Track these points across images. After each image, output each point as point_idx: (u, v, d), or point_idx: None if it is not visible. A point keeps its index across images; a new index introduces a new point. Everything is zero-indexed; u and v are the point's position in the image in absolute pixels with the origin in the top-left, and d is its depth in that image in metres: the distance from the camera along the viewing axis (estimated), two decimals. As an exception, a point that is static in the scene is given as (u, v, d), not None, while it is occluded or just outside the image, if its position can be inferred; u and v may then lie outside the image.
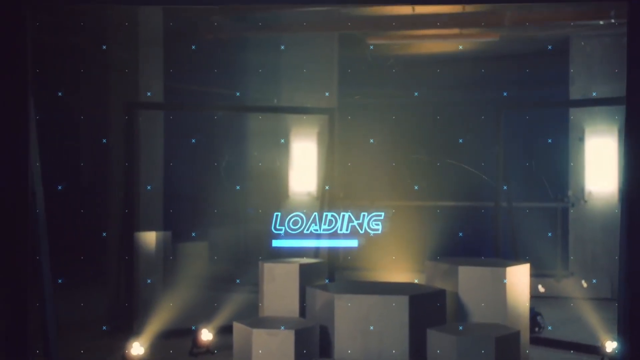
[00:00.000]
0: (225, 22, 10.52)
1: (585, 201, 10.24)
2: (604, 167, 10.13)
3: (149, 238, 9.09)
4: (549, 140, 9.84)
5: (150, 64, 9.07)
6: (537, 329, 7.72)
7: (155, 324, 7.64)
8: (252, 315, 7.10)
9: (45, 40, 8.22)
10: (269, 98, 10.75)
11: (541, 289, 9.97)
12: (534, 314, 7.55)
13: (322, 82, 10.78)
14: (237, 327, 6.43)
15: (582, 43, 10.33)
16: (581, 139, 10.24)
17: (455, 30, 10.17)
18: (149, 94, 8.75)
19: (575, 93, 10.35)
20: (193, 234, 9.00)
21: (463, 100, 11.21)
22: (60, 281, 6.02)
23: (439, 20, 9.96)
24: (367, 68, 11.33)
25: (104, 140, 7.51)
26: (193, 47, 8.89)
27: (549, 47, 9.37)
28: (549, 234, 9.80)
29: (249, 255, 10.69)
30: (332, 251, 8.13)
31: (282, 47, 10.85)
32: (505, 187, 7.89)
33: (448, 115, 10.97)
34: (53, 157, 8.22)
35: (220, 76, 10.57)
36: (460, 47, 9.54)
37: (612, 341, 6.93)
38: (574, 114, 10.31)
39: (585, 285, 10.07)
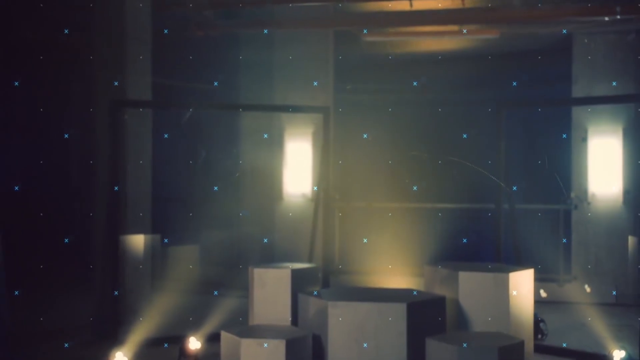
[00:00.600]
0: (216, 19, 10.30)
1: (589, 203, 10.00)
2: (608, 168, 9.87)
3: (137, 241, 8.81)
4: (564, 136, 9.57)
5: (138, 61, 8.76)
6: (539, 336, 7.46)
7: (140, 332, 7.41)
8: (244, 322, 6.87)
9: (29, 37, 8.00)
10: (262, 96, 10.48)
11: (543, 293, 9.74)
12: (536, 320, 7.27)
13: (317, 81, 10.53)
14: (225, 336, 6.13)
15: (586, 40, 10.06)
16: (584, 139, 9.99)
17: (455, 27, 9.92)
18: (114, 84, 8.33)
19: (578, 91, 10.09)
20: (165, 240, 8.64)
21: (464, 100, 10.96)
22: (17, 293, 5.66)
23: (438, 17, 9.70)
24: (364, 65, 11.10)
25: (66, 135, 7.19)
26: (167, 33, 8.51)
27: (564, 31, 9.06)
28: (564, 241, 9.53)
29: (241, 258, 10.48)
30: (327, 255, 7.82)
31: (276, 44, 10.59)
32: (515, 188, 7.60)
33: (449, 111, 10.72)
34: (37, 157, 8.02)
35: (211, 73, 10.35)
36: (465, 31, 9.22)
37: (620, 350, 6.64)
38: (577, 113, 10.05)
39: (588, 290, 9.83)
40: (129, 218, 8.49)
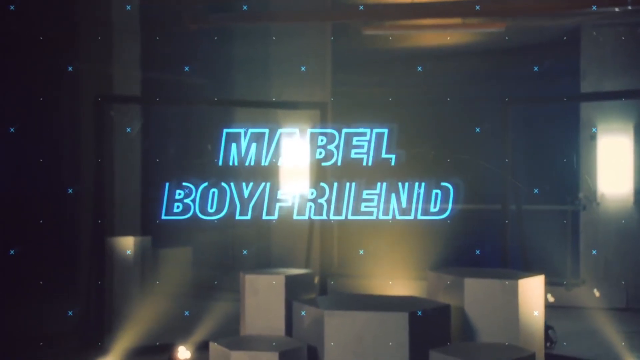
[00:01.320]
0: (210, 11, 10.07)
1: (598, 204, 9.71)
2: (618, 167, 9.58)
3: (125, 244, 8.64)
4: (594, 130, 9.26)
5: (126, 54, 8.58)
6: (548, 344, 7.17)
7: (127, 339, 7.17)
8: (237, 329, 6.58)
9: (10, 30, 7.72)
10: (257, 92, 10.25)
11: (550, 298, 9.42)
12: (545, 327, 6.91)
13: (315, 76, 10.32)
14: (214, 348, 5.88)
15: (594, 33, 9.79)
16: (593, 137, 9.71)
17: (458, 20, 9.68)
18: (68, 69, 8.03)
19: (586, 87, 9.81)
20: (127, 252, 8.23)
21: (468, 97, 10.69)
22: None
23: (441, 9, 9.43)
24: (363, 60, 10.82)
25: (11, 129, 6.83)
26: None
27: (594, 7, 8.77)
28: (594, 252, 9.22)
29: (236, 261, 10.19)
30: (325, 259, 7.46)
31: (271, 38, 10.46)
32: (536, 191, 7.29)
33: (452, 108, 10.42)
34: (18, 157, 7.70)
35: (204, 68, 10.19)
36: (478, 8, 8.90)
37: (635, 360, 6.35)
38: (585, 110, 9.79)
39: (597, 294, 9.55)
40: (116, 219, 8.26)
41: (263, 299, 6.22)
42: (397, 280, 9.11)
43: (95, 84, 8.06)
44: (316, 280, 7.08)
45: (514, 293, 5.82)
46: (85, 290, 7.55)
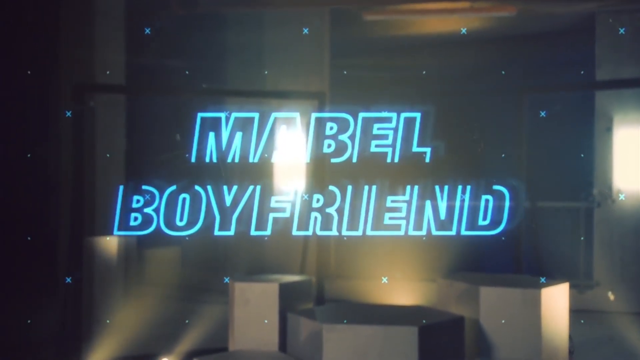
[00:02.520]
0: None
1: (614, 200, 9.36)
2: (636, 161, 9.18)
3: (108, 244, 8.19)
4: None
5: (110, 40, 8.22)
6: (565, 354, 6.64)
7: (108, 349, 6.82)
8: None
9: None
10: (251, 81, 9.85)
11: (561, 301, 9.02)
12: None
13: (311, 65, 9.99)
14: None
15: (610, 20, 9.43)
16: (609, 129, 9.37)
17: (466, 4, 9.26)
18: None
19: (602, 76, 9.43)
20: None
21: (477, 86, 10.35)
22: None
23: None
24: (363, 48, 10.67)
25: None
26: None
27: None
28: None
29: (228, 262, 9.93)
30: (322, 263, 6.90)
31: (266, 24, 10.12)
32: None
33: (459, 100, 10.09)
34: None
35: (194, 56, 9.83)
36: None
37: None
38: (601, 100, 9.44)
39: (612, 297, 9.24)
40: (98, 218, 7.73)
41: (254, 309, 5.78)
42: (399, 281, 8.72)
43: (76, 72, 7.66)
44: (313, 281, 6.56)
45: (535, 303, 5.42)
46: (62, 296, 7.11)
